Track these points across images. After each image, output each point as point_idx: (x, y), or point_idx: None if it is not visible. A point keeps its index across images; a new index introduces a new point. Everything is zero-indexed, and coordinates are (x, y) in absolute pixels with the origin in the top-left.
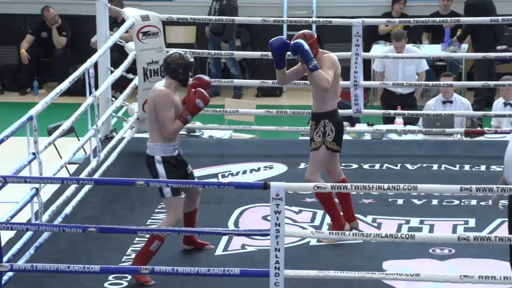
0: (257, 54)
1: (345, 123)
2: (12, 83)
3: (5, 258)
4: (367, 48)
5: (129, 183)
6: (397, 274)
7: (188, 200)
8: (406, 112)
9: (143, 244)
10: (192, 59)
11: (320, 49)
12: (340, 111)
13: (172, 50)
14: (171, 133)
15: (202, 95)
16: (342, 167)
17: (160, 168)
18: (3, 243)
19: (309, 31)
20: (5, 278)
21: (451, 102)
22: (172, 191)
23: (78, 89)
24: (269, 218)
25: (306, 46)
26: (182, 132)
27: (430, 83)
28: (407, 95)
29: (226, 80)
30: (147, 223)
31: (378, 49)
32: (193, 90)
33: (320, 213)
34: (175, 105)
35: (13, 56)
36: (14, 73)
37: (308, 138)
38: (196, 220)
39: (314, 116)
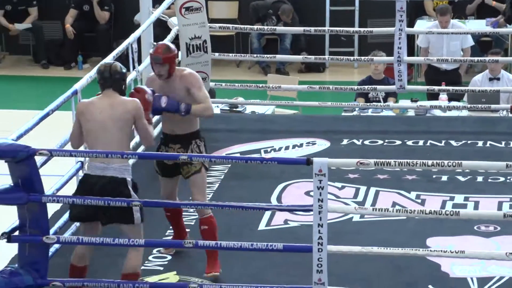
0: (299, 29)
1: (389, 99)
2: (57, 58)
3: (51, 231)
4: (411, 24)
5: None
6: (441, 251)
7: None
8: (450, 88)
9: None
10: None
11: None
12: (383, 87)
13: (102, 62)
14: (154, 139)
15: (139, 90)
16: (385, 143)
17: (133, 192)
18: (49, 216)
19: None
20: (52, 250)
21: (498, 79)
22: (142, 215)
23: (122, 64)
24: (311, 193)
25: (163, 104)
26: (225, 107)
27: (475, 59)
28: (452, 71)
29: (268, 55)
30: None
31: (423, 25)
32: (134, 91)
33: (363, 189)
34: None
35: (57, 31)
36: (58, 48)
37: (351, 113)
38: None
39: (179, 139)
